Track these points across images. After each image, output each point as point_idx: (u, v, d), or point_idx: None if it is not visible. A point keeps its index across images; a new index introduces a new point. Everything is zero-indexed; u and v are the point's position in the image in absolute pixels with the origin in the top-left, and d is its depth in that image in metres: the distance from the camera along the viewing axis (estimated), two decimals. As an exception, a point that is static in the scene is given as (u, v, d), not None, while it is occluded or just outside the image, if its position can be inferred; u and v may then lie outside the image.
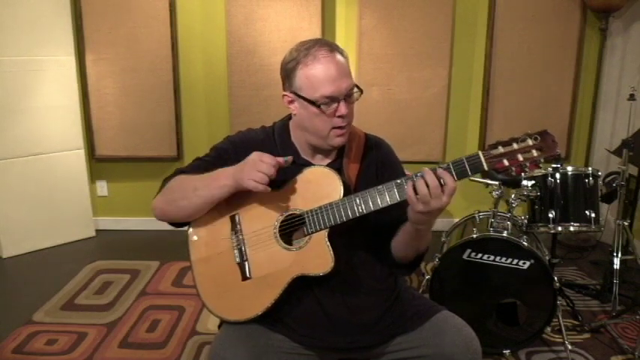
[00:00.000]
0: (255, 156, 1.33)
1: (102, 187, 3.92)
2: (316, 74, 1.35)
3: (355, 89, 1.39)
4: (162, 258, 3.31)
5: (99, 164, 3.85)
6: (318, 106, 1.35)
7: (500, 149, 1.24)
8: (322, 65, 1.35)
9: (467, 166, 1.26)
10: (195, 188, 1.39)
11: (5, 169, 3.33)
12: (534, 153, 1.23)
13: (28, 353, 2.30)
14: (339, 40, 3.63)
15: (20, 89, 3.31)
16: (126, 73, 3.62)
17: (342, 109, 1.35)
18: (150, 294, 2.88)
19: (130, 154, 3.76)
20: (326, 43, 1.39)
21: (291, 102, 1.42)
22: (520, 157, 1.23)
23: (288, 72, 1.40)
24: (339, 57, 1.37)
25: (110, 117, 3.70)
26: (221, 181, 1.37)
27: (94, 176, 3.88)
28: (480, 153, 1.25)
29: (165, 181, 1.48)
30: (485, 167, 1.25)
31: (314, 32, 3.50)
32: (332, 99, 1.35)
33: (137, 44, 3.58)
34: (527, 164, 1.24)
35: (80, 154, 3.64)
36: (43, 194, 3.50)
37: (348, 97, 1.37)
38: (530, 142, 1.23)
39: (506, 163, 1.24)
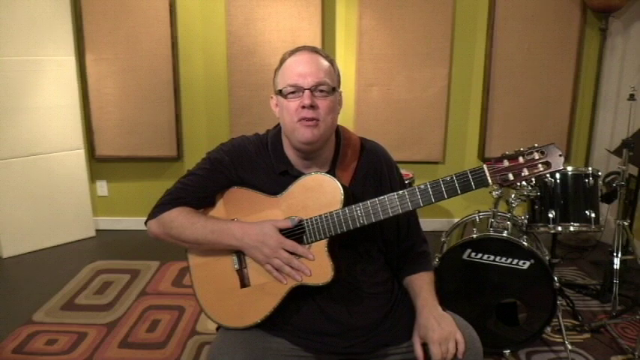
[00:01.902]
0: (274, 241, 1.32)
1: (102, 187, 3.92)
2: (288, 65, 1.39)
3: (324, 85, 1.35)
4: (162, 258, 3.30)
5: (99, 164, 3.85)
6: (285, 96, 1.36)
7: (506, 163, 1.23)
8: (295, 58, 1.39)
9: (471, 179, 1.25)
10: (197, 241, 1.39)
11: (5, 169, 3.33)
12: (540, 167, 1.22)
13: (28, 353, 2.30)
14: (339, 40, 3.63)
15: (20, 89, 3.31)
16: (126, 73, 3.62)
17: (305, 99, 1.33)
18: (150, 294, 2.88)
19: (130, 154, 3.77)
20: (311, 47, 1.42)
21: (276, 105, 1.43)
22: (526, 172, 1.23)
23: (274, 75, 1.44)
24: (318, 57, 1.39)
25: (110, 117, 3.70)
26: (227, 240, 1.36)
27: (94, 176, 3.88)
28: (485, 167, 1.24)
29: (161, 207, 1.43)
30: (490, 181, 1.24)
31: (314, 32, 3.50)
32: (297, 88, 1.35)
33: (137, 44, 3.58)
34: (533, 179, 1.23)
35: (80, 154, 3.64)
36: (43, 194, 3.50)
37: (315, 90, 1.35)
38: (536, 155, 1.22)
39: (511, 177, 1.23)
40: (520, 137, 3.68)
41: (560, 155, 1.21)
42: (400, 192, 1.30)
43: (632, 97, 2.70)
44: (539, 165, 1.22)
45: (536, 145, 1.24)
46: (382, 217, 1.31)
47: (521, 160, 1.23)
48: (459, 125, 3.77)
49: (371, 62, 3.58)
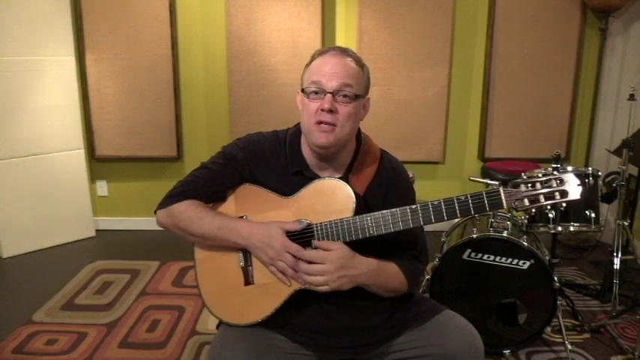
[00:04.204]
0: (279, 244, 1.32)
1: (102, 187, 3.92)
2: (315, 64, 1.38)
3: (348, 91, 1.34)
4: (163, 258, 3.30)
5: (99, 164, 3.85)
6: (308, 95, 1.35)
7: (522, 188, 1.23)
8: (324, 58, 1.37)
9: (486, 201, 1.25)
10: (203, 235, 1.39)
11: (5, 169, 3.33)
12: (557, 196, 1.22)
13: (28, 353, 2.30)
14: (339, 40, 3.63)
15: (20, 89, 3.31)
16: (126, 73, 3.62)
17: (325, 103, 1.32)
18: (150, 294, 2.87)
19: (130, 154, 3.76)
20: (343, 48, 1.40)
21: (300, 101, 1.42)
22: (542, 199, 1.22)
23: (303, 71, 1.42)
24: (346, 59, 1.37)
25: (110, 117, 3.70)
26: (233, 238, 1.36)
27: (94, 176, 3.88)
28: (501, 190, 1.23)
29: (171, 198, 1.43)
30: (505, 205, 1.24)
31: (314, 32, 3.50)
32: (318, 87, 1.33)
33: (137, 44, 3.58)
34: (549, 207, 1.22)
35: (80, 154, 3.64)
36: (43, 194, 3.50)
37: (337, 94, 1.34)
38: (554, 184, 1.22)
39: (527, 203, 1.23)
40: (520, 137, 3.68)
41: (578, 185, 1.20)
42: (413, 206, 1.30)
43: (632, 97, 2.70)
44: (556, 194, 1.22)
45: (555, 173, 1.23)
46: (392, 230, 1.31)
47: (538, 186, 1.22)
48: (459, 125, 3.77)
49: (371, 62, 3.48)
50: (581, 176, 2.41)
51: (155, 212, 1.47)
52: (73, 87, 3.54)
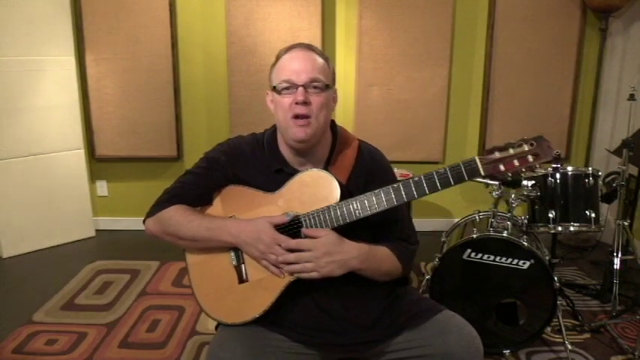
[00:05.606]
0: (268, 237, 1.34)
1: (102, 187, 3.92)
2: (282, 62, 1.40)
3: (318, 82, 1.37)
4: (162, 258, 3.30)
5: (99, 164, 3.85)
6: (279, 92, 1.38)
7: (497, 154, 1.28)
8: (290, 54, 1.40)
9: (463, 170, 1.28)
10: (193, 237, 1.40)
11: (5, 169, 3.33)
12: (530, 158, 1.27)
13: (28, 353, 2.30)
14: (339, 40, 3.63)
15: (20, 89, 3.31)
16: (126, 73, 3.62)
17: (299, 95, 1.35)
18: (150, 294, 2.87)
19: (130, 154, 3.77)
20: (306, 44, 1.43)
21: (271, 101, 1.45)
22: (516, 163, 1.27)
23: (270, 71, 1.44)
24: (312, 54, 1.40)
25: (110, 117, 3.70)
26: (223, 237, 1.38)
27: (94, 176, 3.88)
28: (477, 158, 1.27)
29: (159, 205, 1.45)
30: (482, 172, 1.27)
31: (314, 32, 3.50)
32: (290, 84, 1.36)
33: (137, 44, 3.58)
34: (523, 169, 1.27)
35: (80, 154, 3.64)
36: (43, 194, 3.50)
37: (308, 87, 1.36)
38: (525, 147, 1.28)
39: (502, 168, 1.27)
40: (520, 137, 3.67)
41: (549, 147, 1.27)
42: (395, 185, 1.33)
43: (632, 97, 2.70)
44: (529, 156, 1.27)
45: (525, 137, 1.29)
46: (378, 209, 1.33)
47: (511, 151, 1.27)
48: (459, 125, 3.77)
49: (371, 62, 3.58)
50: (581, 176, 2.41)
51: (144, 222, 1.48)
52: (73, 87, 3.54)
